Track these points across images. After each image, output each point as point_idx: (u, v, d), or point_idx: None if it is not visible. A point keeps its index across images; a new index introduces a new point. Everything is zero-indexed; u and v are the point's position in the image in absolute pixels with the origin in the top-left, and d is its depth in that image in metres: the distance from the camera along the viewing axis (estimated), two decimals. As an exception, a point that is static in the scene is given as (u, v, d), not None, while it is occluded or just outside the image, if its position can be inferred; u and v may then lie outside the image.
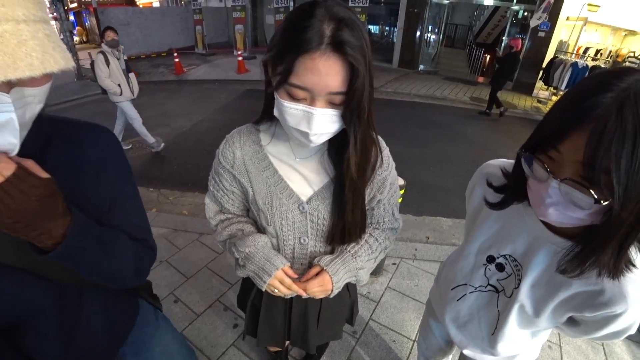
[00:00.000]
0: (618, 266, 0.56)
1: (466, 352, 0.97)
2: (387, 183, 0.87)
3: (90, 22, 20.75)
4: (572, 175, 0.51)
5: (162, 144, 4.41)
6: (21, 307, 0.58)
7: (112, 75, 3.81)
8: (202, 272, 2.31)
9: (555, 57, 7.75)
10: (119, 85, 3.88)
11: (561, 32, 8.17)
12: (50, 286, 0.61)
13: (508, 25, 9.28)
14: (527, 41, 8.51)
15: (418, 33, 9.90)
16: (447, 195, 3.61)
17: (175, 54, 8.92)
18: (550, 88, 7.99)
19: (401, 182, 1.92)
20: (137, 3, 18.34)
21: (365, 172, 0.78)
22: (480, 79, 9.79)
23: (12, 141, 0.43)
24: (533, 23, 7.73)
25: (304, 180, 0.82)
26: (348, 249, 0.88)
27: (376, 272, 2.34)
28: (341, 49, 0.58)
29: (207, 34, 11.77)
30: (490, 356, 0.92)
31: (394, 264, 2.46)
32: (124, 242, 0.65)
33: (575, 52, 8.07)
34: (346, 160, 0.73)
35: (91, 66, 3.83)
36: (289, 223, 0.83)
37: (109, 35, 3.77)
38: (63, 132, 0.61)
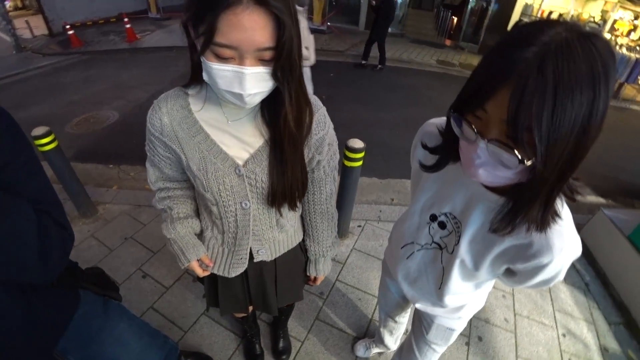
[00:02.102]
0: (545, 219, 0.58)
1: (418, 306, 1.03)
2: (325, 143, 0.86)
3: (25, -17, 18.53)
4: (498, 136, 0.51)
5: None
6: None
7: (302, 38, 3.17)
8: (168, 247, 2.28)
9: (519, 21, 7.82)
10: (306, 48, 3.07)
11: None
12: None
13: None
14: (492, 3, 8.55)
15: (385, -7, 9.59)
16: (413, 158, 3.67)
17: (125, 20, 8.19)
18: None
19: (360, 144, 1.92)
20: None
21: (302, 126, 0.77)
22: (447, 42, 9.75)
23: None
24: None
25: (239, 143, 0.79)
26: (319, 249, 1.07)
27: (342, 234, 2.39)
28: (264, 1, 0.56)
29: (160, -4, 10.84)
30: (440, 308, 0.98)
31: (359, 226, 2.53)
32: (19, 206, 0.58)
33: (539, 15, 8.16)
34: (283, 117, 0.72)
35: None
36: (227, 188, 0.82)
37: None
38: None
